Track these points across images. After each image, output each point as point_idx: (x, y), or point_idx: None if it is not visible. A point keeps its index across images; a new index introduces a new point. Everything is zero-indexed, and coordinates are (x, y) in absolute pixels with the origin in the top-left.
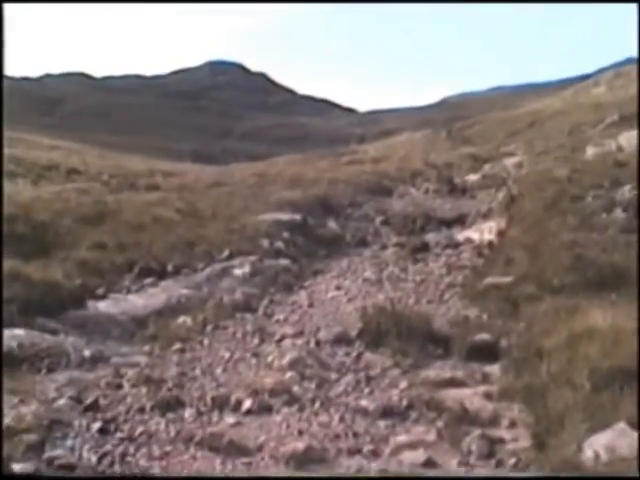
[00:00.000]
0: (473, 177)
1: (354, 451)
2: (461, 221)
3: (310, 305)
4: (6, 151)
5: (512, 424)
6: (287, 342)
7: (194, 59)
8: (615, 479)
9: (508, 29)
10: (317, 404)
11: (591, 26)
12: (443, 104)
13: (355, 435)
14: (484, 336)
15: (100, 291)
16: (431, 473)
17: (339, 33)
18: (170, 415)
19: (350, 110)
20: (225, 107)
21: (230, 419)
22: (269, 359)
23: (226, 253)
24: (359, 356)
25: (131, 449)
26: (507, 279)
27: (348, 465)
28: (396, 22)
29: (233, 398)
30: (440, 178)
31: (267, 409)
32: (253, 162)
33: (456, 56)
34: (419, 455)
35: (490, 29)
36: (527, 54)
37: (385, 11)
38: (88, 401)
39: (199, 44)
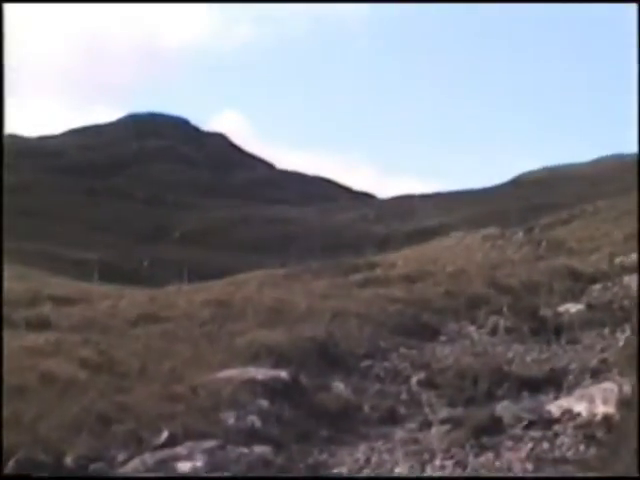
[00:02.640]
0: (572, 307)
1: None
2: (555, 382)
3: None
4: None
5: None
6: None
7: (107, 110)
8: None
9: (622, 62)
10: None
11: None
12: (518, 185)
13: None
14: None
15: None
16: None
17: (349, 74)
18: None
19: (365, 195)
20: (158, 190)
21: None
22: None
23: (165, 435)
24: None
25: None
26: None
27: None
28: (440, 55)
29: None
30: (517, 309)
31: None
32: (205, 282)
33: (539, 109)
34: None
35: (594, 64)
36: None
37: (421, 37)
38: None
39: (115, 84)
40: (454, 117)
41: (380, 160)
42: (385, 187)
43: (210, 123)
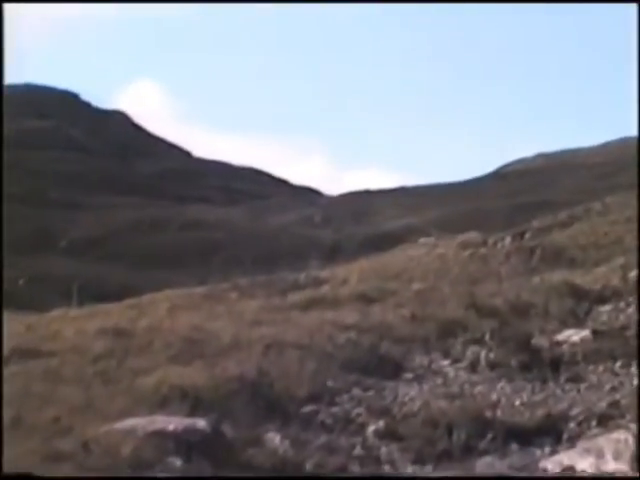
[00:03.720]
0: (574, 335)
1: None
2: (552, 431)
3: None
4: None
5: None
6: None
7: None
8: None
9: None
10: None
11: None
12: (505, 177)
13: None
14: None
15: None
16: None
17: (298, 46)
18: None
19: (309, 191)
20: (39, 184)
21: None
22: None
23: None
24: None
25: None
26: None
27: None
28: (408, 26)
29: None
30: (503, 337)
31: None
32: (101, 304)
33: (532, 83)
34: None
35: (596, 34)
36: None
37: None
38: None
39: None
40: (425, 94)
41: (331, 148)
42: (336, 181)
43: (116, 98)
